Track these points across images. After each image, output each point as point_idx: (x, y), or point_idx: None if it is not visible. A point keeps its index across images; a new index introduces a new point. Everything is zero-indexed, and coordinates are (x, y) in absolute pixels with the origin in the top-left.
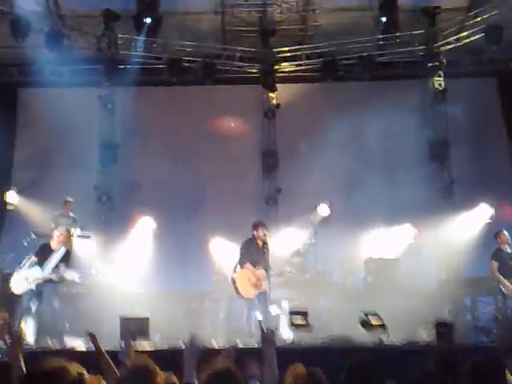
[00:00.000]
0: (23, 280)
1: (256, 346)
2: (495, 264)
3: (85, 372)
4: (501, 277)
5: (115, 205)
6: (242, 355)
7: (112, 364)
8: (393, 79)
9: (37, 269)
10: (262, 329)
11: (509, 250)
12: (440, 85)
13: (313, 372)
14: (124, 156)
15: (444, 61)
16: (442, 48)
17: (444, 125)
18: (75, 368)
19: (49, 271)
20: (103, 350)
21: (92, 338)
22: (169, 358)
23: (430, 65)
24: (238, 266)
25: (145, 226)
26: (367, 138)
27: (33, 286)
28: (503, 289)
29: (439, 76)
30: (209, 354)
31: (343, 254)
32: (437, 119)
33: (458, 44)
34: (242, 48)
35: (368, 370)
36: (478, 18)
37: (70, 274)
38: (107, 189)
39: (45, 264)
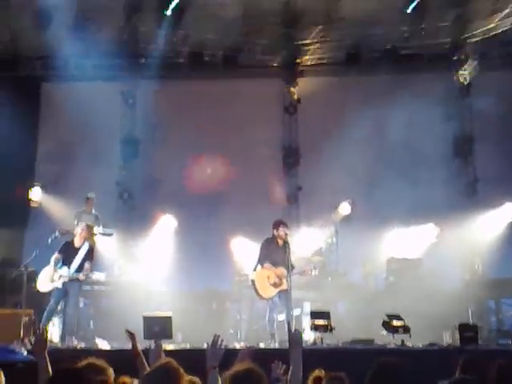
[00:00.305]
0: (50, 279)
1: (278, 347)
2: None
3: (111, 371)
4: None
5: (136, 202)
6: (264, 356)
7: (147, 365)
8: (417, 72)
9: (64, 268)
10: (290, 329)
11: None
12: (465, 78)
13: (338, 376)
14: (145, 151)
15: (470, 53)
16: (469, 40)
17: (469, 120)
18: (104, 367)
19: (75, 270)
20: (140, 350)
21: (131, 337)
22: (191, 359)
23: (455, 57)
24: (259, 266)
25: (166, 224)
26: (390, 134)
27: (59, 285)
28: None
29: (465, 69)
30: (231, 355)
31: (365, 254)
32: (462, 114)
33: (486, 36)
34: (264, 40)
35: (395, 374)
36: (507, 10)
37: (97, 275)
38: (129, 185)
39: (69, 262)
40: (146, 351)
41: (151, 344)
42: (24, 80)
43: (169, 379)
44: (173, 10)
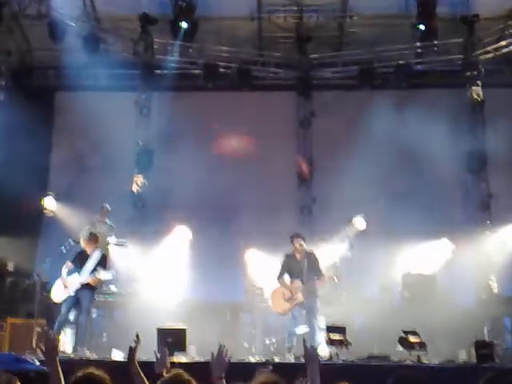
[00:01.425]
0: (63, 288)
1: (294, 361)
2: None
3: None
4: None
5: (150, 211)
6: (282, 370)
7: (142, 375)
8: (430, 88)
9: (75, 275)
10: (305, 345)
11: None
12: (478, 95)
13: None
14: (159, 161)
15: (482, 70)
16: (481, 57)
17: (482, 136)
18: (102, 377)
19: (86, 275)
20: (135, 359)
21: (137, 340)
22: (203, 371)
23: (468, 74)
24: (276, 282)
25: (180, 235)
26: (403, 148)
27: (72, 293)
28: None
29: (477, 85)
30: (247, 369)
31: (380, 269)
32: (474, 130)
33: (497, 53)
34: (278, 54)
35: None
36: None
37: (104, 274)
38: (143, 194)
39: (81, 268)
40: (151, 363)
41: (157, 353)
42: (38, 90)
43: None
44: (188, 23)
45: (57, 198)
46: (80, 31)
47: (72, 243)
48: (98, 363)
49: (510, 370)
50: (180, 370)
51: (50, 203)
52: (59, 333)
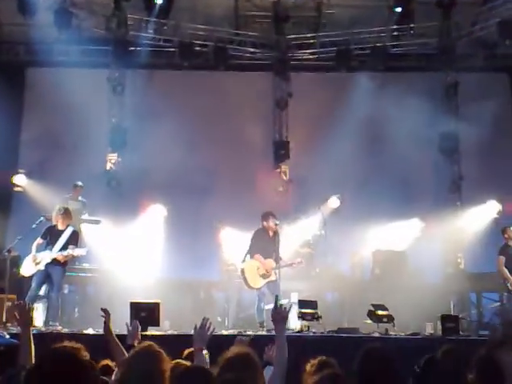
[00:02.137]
0: (32, 262)
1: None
2: (502, 259)
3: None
4: (506, 272)
5: (125, 190)
6: (256, 342)
7: (120, 345)
8: (406, 71)
9: (46, 251)
10: (276, 305)
11: None
12: (452, 78)
13: (328, 361)
14: (134, 140)
15: (457, 54)
16: (456, 41)
17: (455, 119)
18: (83, 352)
19: (56, 251)
20: (112, 330)
21: (105, 314)
22: (177, 344)
23: (443, 58)
24: (248, 256)
25: (155, 213)
26: (378, 130)
27: (42, 267)
28: (509, 285)
29: (452, 69)
30: (220, 341)
31: (352, 246)
32: (448, 113)
33: (472, 37)
34: (255, 34)
35: (385, 358)
36: (493, 12)
37: (77, 251)
38: (117, 173)
39: (52, 245)
40: (123, 335)
41: (128, 326)
42: (7, 65)
43: (151, 362)
44: None
45: (28, 175)
46: (51, 6)
47: (44, 220)
48: (71, 337)
49: (472, 341)
50: (150, 342)
51: (20, 180)
52: (31, 307)
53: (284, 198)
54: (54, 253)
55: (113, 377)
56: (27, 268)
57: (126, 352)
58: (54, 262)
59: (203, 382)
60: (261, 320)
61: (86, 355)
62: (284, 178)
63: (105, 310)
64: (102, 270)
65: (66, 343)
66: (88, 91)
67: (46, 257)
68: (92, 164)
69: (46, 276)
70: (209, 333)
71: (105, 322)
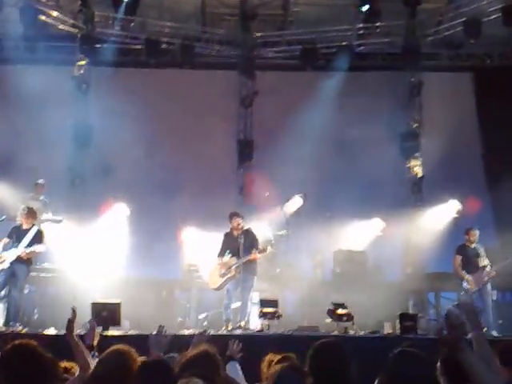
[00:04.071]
0: None
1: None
2: (459, 258)
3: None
4: (463, 272)
5: (88, 188)
6: (218, 340)
7: (81, 344)
8: (371, 70)
9: (12, 249)
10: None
11: (473, 246)
12: (416, 78)
13: (288, 357)
14: (98, 138)
15: (422, 53)
16: (421, 40)
17: (418, 118)
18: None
19: (21, 248)
20: (74, 329)
21: (73, 313)
22: (138, 344)
23: (408, 57)
24: (216, 260)
25: (118, 212)
26: (342, 129)
27: (6, 265)
28: (465, 284)
29: (416, 69)
30: (181, 341)
31: (314, 246)
32: (411, 112)
33: (438, 37)
34: (222, 31)
35: (332, 350)
36: (458, 11)
37: (38, 247)
38: (80, 172)
39: (18, 243)
40: (82, 335)
41: (86, 326)
42: None
43: (123, 361)
44: None
45: None
46: (17, 2)
47: (5, 219)
48: (32, 337)
49: (428, 340)
50: (120, 345)
51: None
52: None
53: (247, 197)
54: (19, 250)
55: (76, 374)
56: None
57: (86, 351)
58: (19, 260)
59: (163, 374)
60: (226, 317)
61: (44, 352)
62: None
63: (73, 309)
64: (63, 269)
65: (28, 340)
66: (53, 88)
67: (12, 254)
68: (56, 162)
69: (11, 275)
70: (165, 339)
71: (69, 320)
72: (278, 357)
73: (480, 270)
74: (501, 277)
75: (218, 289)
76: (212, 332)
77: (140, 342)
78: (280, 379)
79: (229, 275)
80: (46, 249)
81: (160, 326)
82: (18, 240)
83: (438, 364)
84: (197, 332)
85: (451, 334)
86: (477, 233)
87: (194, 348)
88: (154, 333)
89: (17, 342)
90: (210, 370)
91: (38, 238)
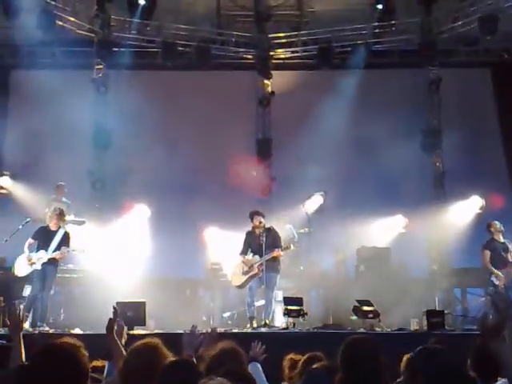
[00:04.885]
0: (27, 262)
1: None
2: (487, 254)
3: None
4: (492, 267)
5: (109, 191)
6: (242, 338)
7: (120, 343)
8: (388, 67)
9: (41, 251)
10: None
11: (502, 240)
12: (434, 74)
13: (318, 356)
14: (118, 141)
15: (438, 50)
16: (437, 37)
17: (437, 114)
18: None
19: (51, 252)
20: (114, 330)
21: (114, 311)
22: (164, 343)
23: (424, 54)
24: (239, 257)
25: (139, 213)
26: (361, 127)
27: (38, 267)
28: (494, 280)
29: (433, 65)
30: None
31: (337, 243)
32: (430, 109)
33: (453, 33)
34: (237, 33)
35: (366, 346)
36: (474, 8)
37: (78, 249)
38: (101, 174)
39: (46, 245)
40: None
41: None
42: None
43: (152, 355)
44: (146, 0)
45: (13, 178)
46: (34, 7)
47: (30, 222)
48: (59, 337)
49: (457, 335)
50: (152, 338)
51: (5, 183)
52: (29, 309)
53: (268, 196)
54: (50, 253)
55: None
56: (21, 268)
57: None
58: (49, 261)
59: (189, 374)
60: (250, 315)
61: (84, 354)
62: None
63: (115, 308)
64: (88, 270)
65: (67, 339)
66: (72, 92)
67: (43, 256)
68: (77, 165)
69: (43, 276)
70: (198, 339)
71: (110, 319)
72: (300, 356)
73: (509, 265)
74: None
75: (241, 287)
76: (236, 330)
77: (164, 340)
78: (313, 379)
79: (251, 273)
80: (83, 252)
81: (193, 326)
82: (44, 242)
83: (469, 359)
84: (223, 330)
85: (499, 316)
86: (498, 224)
87: (208, 347)
88: (188, 332)
89: (53, 342)
90: (237, 365)
91: (66, 240)
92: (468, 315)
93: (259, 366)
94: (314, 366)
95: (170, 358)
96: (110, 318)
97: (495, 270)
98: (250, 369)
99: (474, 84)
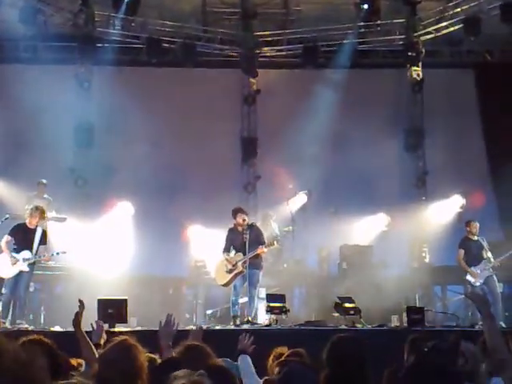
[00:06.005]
0: (10, 262)
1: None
2: (462, 252)
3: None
4: (465, 265)
5: (92, 188)
6: (225, 336)
7: (88, 339)
8: (372, 67)
9: (26, 251)
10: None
11: (475, 238)
12: (418, 74)
13: (299, 352)
14: (101, 138)
15: (423, 51)
16: (422, 38)
17: (420, 115)
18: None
19: (34, 252)
20: (80, 325)
21: (80, 305)
22: (145, 339)
23: (408, 54)
24: (221, 255)
25: (123, 210)
26: (345, 126)
27: (25, 268)
28: (470, 278)
29: (417, 66)
30: (185, 337)
31: (320, 241)
32: (413, 109)
33: (438, 34)
34: (223, 30)
35: (352, 345)
36: (458, 9)
37: (60, 251)
38: (83, 172)
39: (26, 244)
40: (89, 333)
41: (93, 325)
42: None
43: (128, 356)
44: None
45: None
46: (17, 2)
47: (9, 218)
48: (37, 334)
49: (436, 331)
50: (125, 336)
51: None
52: (8, 307)
53: (252, 194)
54: (35, 255)
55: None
56: (5, 269)
57: (93, 347)
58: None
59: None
60: (234, 313)
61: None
62: None
63: (81, 302)
64: (69, 268)
65: (40, 336)
66: (55, 88)
67: (30, 258)
68: (58, 163)
69: (20, 274)
70: (174, 328)
71: (77, 313)
72: (286, 350)
73: (483, 263)
74: (506, 269)
75: (226, 285)
76: (219, 327)
77: (146, 338)
78: (290, 375)
79: (236, 271)
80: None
81: (168, 315)
82: (25, 240)
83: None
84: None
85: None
86: (477, 224)
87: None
88: (163, 323)
89: (30, 337)
90: (200, 361)
91: (44, 238)
92: (448, 312)
93: (248, 358)
94: (292, 361)
95: (144, 356)
96: (77, 312)
97: (468, 269)
98: (239, 361)
99: (457, 84)
